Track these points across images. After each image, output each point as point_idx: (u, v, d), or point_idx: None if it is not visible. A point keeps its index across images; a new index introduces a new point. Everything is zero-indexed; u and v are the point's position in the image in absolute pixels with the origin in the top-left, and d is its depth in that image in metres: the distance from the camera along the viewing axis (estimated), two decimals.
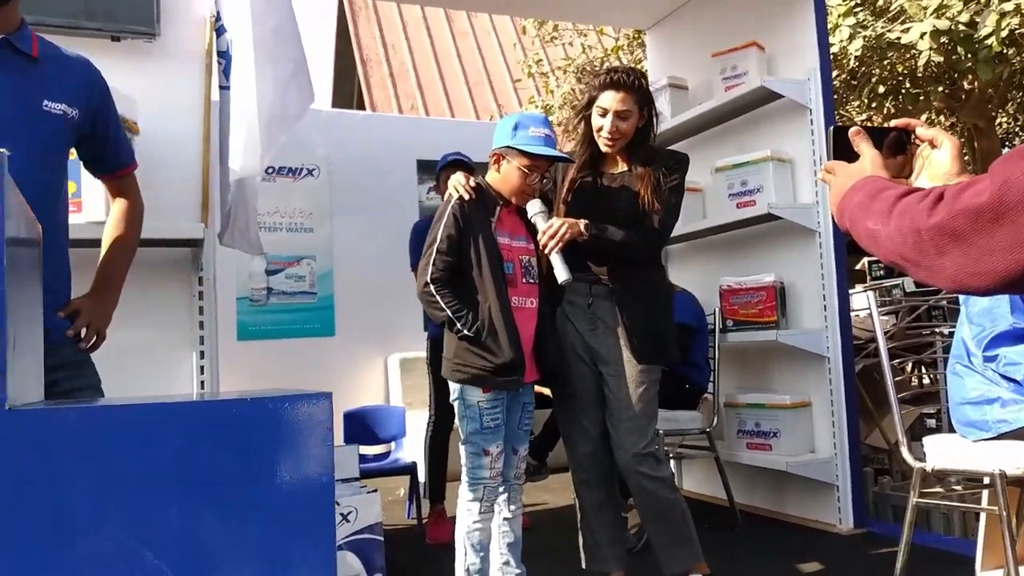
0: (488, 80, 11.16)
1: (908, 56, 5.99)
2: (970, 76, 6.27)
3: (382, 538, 2.81)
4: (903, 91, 6.65)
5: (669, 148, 3.09)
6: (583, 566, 2.71)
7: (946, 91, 6.71)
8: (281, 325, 5.54)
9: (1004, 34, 5.15)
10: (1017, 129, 9.22)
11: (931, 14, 5.30)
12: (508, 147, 2.47)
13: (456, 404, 2.46)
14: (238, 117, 2.58)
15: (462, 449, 2.45)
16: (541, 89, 9.46)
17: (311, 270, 5.68)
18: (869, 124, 1.28)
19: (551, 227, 2.42)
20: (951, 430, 2.70)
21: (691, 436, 3.68)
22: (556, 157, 2.50)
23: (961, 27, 5.31)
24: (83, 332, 1.83)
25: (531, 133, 2.45)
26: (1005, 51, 5.64)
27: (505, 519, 2.52)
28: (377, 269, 5.72)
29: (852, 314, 3.85)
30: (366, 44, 11.20)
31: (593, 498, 2.66)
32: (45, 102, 1.78)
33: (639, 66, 6.88)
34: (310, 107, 2.83)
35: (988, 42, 5.16)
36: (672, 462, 3.94)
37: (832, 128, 1.26)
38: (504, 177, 2.50)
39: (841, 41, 5.63)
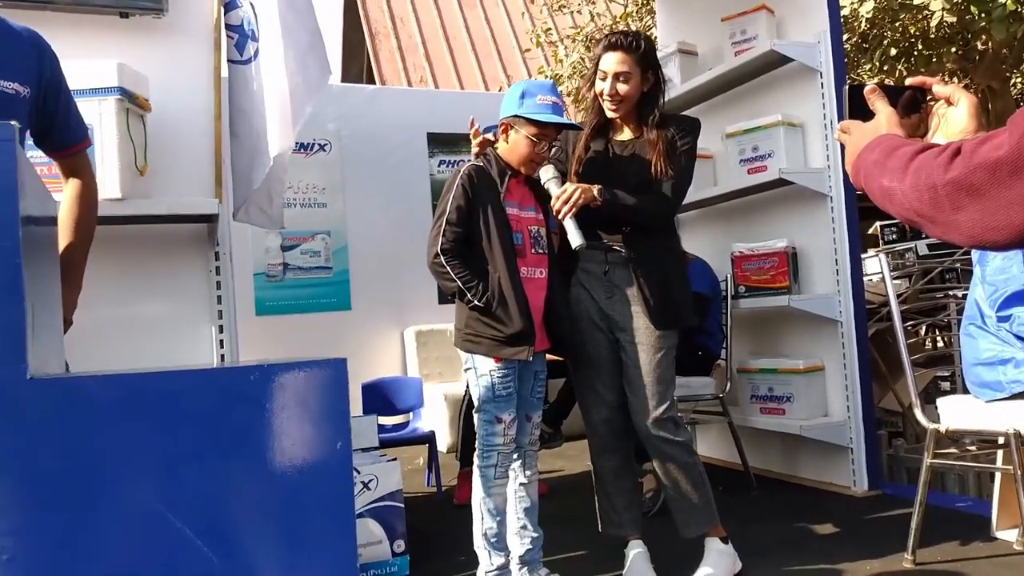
0: (497, 51, 11.08)
1: (920, 17, 5.90)
2: (984, 36, 6.17)
3: (403, 505, 2.86)
4: (915, 53, 6.56)
5: (680, 113, 3.08)
6: (600, 530, 2.75)
7: (959, 52, 6.61)
8: (298, 300, 5.59)
9: None
10: None
11: None
12: (515, 116, 2.47)
13: (468, 373, 2.50)
14: (271, 93, 2.59)
15: (476, 417, 2.49)
16: (550, 58, 9.39)
17: (326, 245, 5.72)
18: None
19: (564, 192, 2.43)
20: (965, 392, 2.71)
21: (704, 402, 3.71)
22: (564, 124, 2.50)
23: None
24: None
25: (538, 101, 2.45)
26: (1020, 9, 5.55)
27: (521, 484, 2.56)
28: (391, 243, 5.75)
29: (865, 278, 3.84)
30: (374, 17, 11.14)
31: (609, 464, 2.69)
32: None
33: (648, 32, 6.81)
34: (328, 79, 2.85)
35: (1002, 0, 5.07)
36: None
37: (847, 87, 1.26)
38: (512, 147, 2.51)
39: (852, 3, 5.55)
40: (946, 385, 4.67)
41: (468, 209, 2.43)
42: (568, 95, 7.47)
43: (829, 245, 3.57)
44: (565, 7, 8.55)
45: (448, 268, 2.40)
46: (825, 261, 3.61)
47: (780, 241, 3.65)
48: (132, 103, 2.41)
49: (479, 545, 2.46)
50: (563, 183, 2.49)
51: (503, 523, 2.48)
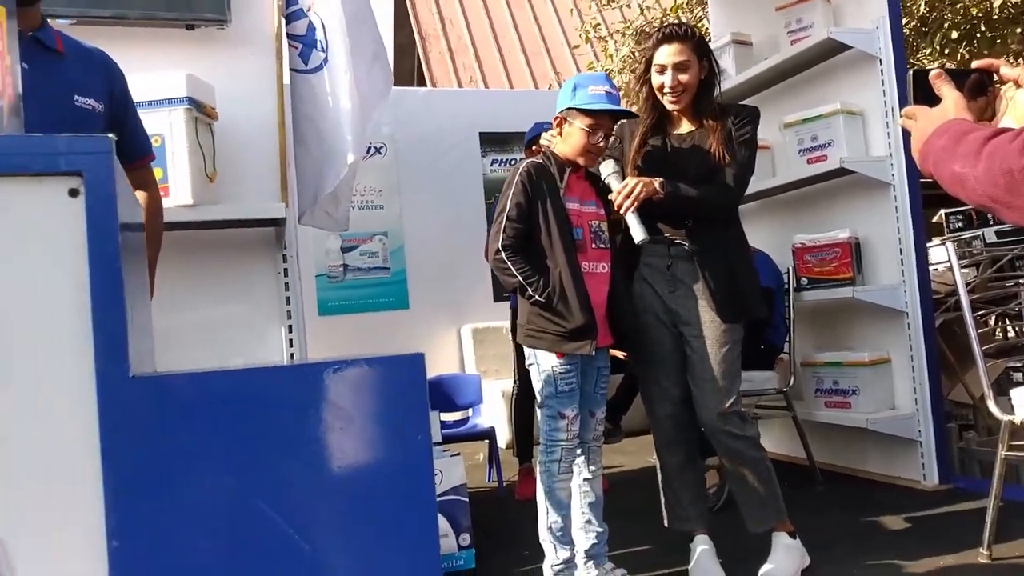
0: (546, 48, 11.08)
1: None
2: None
3: (467, 499, 2.90)
4: (978, 35, 6.35)
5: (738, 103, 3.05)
6: (666, 525, 2.75)
7: None
8: (358, 300, 5.71)
9: None
10: None
11: None
12: (569, 108, 2.48)
13: (532, 369, 2.52)
14: (341, 102, 2.66)
15: (539, 412, 2.51)
16: (600, 54, 9.36)
17: (383, 246, 5.82)
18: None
19: (626, 186, 2.43)
20: None
21: (767, 396, 3.66)
22: (616, 111, 2.50)
23: None
24: None
25: (591, 92, 2.46)
26: None
27: (585, 479, 2.58)
28: (446, 242, 5.83)
29: (930, 268, 3.75)
30: (424, 20, 11.24)
31: (674, 459, 2.69)
32: (76, 97, 1.77)
33: (699, 25, 6.74)
34: (390, 88, 2.93)
35: None
36: None
37: (913, 71, 1.25)
38: (568, 140, 2.51)
39: None
40: (1018, 376, 4.52)
41: (528, 205, 2.45)
42: (620, 90, 7.44)
43: (893, 234, 3.50)
44: (614, 2, 8.50)
45: (509, 264, 2.42)
46: (889, 251, 3.54)
47: (843, 231, 3.59)
48: (200, 112, 2.49)
49: (545, 539, 2.48)
50: (624, 178, 2.49)
51: (568, 517, 2.50)
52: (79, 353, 0.83)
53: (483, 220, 5.90)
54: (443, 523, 2.82)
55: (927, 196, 3.82)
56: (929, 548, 2.66)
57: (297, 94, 2.74)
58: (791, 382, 3.65)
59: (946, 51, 6.49)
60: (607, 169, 2.53)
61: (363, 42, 2.74)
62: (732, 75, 4.09)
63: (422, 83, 11.00)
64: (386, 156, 5.89)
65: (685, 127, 2.65)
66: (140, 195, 1.99)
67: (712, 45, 4.18)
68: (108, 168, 0.85)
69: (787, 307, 3.72)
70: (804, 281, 3.71)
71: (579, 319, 2.38)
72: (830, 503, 3.37)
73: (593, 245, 2.52)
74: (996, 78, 1.23)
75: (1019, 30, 6.29)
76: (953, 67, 1.27)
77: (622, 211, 2.44)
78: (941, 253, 4.89)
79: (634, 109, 2.75)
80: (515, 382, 3.99)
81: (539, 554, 2.53)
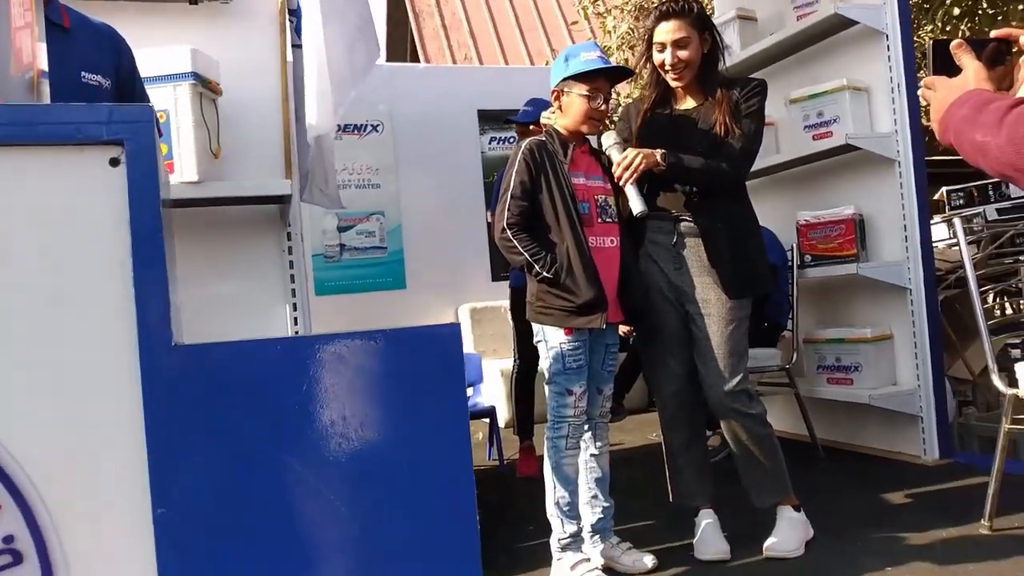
0: (541, 24, 11.00)
1: None
2: None
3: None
4: (980, 12, 6.33)
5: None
6: (671, 500, 2.76)
7: None
8: (355, 280, 5.68)
9: None
10: None
11: None
12: (565, 79, 2.47)
13: (540, 345, 2.52)
14: (310, 73, 2.61)
15: (547, 389, 2.51)
16: (597, 30, 9.29)
17: (380, 225, 5.79)
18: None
19: (625, 157, 2.41)
20: None
21: (770, 373, 3.68)
22: (612, 69, 2.48)
23: None
24: None
25: (583, 58, 2.45)
26: None
27: (592, 455, 2.59)
28: (443, 222, 5.80)
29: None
30: None
31: (680, 436, 2.70)
32: (83, 74, 1.76)
33: (704, 0, 6.69)
34: (374, 63, 2.87)
35: None
36: None
37: (933, 42, 1.24)
38: (569, 110, 2.50)
39: None
40: (1017, 352, 4.56)
41: (531, 183, 2.44)
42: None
43: (897, 211, 3.50)
44: None
45: (515, 241, 2.41)
46: (893, 228, 3.54)
47: (847, 208, 3.59)
48: (205, 88, 2.45)
49: (552, 513, 2.49)
50: (625, 149, 2.47)
51: (575, 492, 2.51)
52: (122, 323, 0.83)
53: (481, 199, 5.87)
54: None
55: (928, 174, 3.82)
56: (931, 521, 2.69)
57: (295, 70, 2.71)
58: (794, 359, 3.66)
59: (947, 28, 6.47)
60: (608, 140, 2.51)
61: (348, 16, 2.70)
62: (736, 51, 4.07)
63: (416, 60, 10.92)
64: (383, 134, 5.84)
65: (690, 102, 2.64)
66: None
67: (716, 20, 4.16)
68: (150, 137, 0.84)
69: (790, 284, 3.73)
70: (808, 258, 3.71)
71: (587, 293, 2.38)
72: (832, 478, 3.40)
73: (600, 219, 2.51)
74: (1015, 47, 1.23)
75: (1021, 7, 6.27)
76: (972, 37, 1.26)
77: (621, 183, 2.42)
78: (942, 231, 4.91)
79: (637, 92, 2.73)
80: (515, 361, 4.00)
81: (543, 530, 2.55)
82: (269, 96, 2.73)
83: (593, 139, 2.67)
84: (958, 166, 7.24)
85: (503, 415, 4.92)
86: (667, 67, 2.54)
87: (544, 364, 2.51)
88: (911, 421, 3.52)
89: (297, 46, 2.79)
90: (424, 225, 5.83)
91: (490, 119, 6.07)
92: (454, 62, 10.22)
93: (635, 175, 2.41)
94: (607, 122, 2.59)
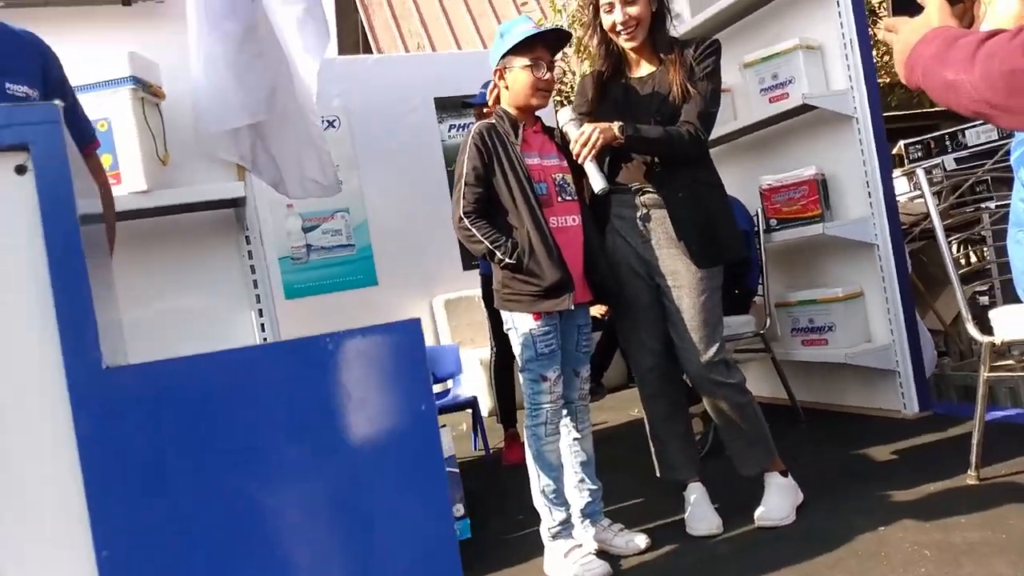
0: (492, 8, 10.89)
1: None
2: None
3: (457, 470, 2.87)
4: None
5: None
6: (658, 476, 2.74)
7: None
8: (325, 280, 5.60)
9: None
10: None
11: None
12: (505, 55, 2.43)
13: (510, 334, 2.47)
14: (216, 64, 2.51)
15: (520, 377, 2.46)
16: (548, 10, 9.21)
17: (346, 223, 5.70)
18: None
19: (582, 134, 2.36)
20: (1007, 304, 2.66)
21: (745, 340, 3.67)
22: (549, 31, 2.45)
23: None
24: None
25: (519, 31, 2.42)
26: None
27: (575, 439, 2.55)
28: (409, 214, 5.73)
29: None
30: None
31: (661, 410, 2.67)
32: (7, 84, 1.68)
33: None
34: (327, 47, 2.79)
35: None
36: None
37: None
38: (514, 87, 2.45)
39: None
40: (984, 300, 4.59)
41: (484, 168, 2.38)
42: (576, 52, 7.32)
43: (859, 168, 3.49)
44: None
45: (474, 230, 2.36)
46: (856, 185, 3.53)
47: (808, 169, 3.58)
48: (147, 92, 2.37)
49: (539, 503, 2.45)
50: (582, 125, 2.42)
51: (560, 479, 2.48)
52: (44, 346, 0.76)
53: (445, 188, 5.79)
54: None
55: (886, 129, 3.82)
56: (916, 475, 2.69)
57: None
58: (767, 324, 3.66)
59: None
60: (564, 117, 2.46)
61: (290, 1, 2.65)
62: (687, 18, 4.04)
63: (368, 52, 10.76)
64: (340, 129, 5.74)
65: (645, 68, 2.59)
66: None
67: None
68: (58, 139, 0.76)
69: (758, 249, 3.72)
70: (773, 222, 3.70)
71: (552, 275, 2.33)
72: (815, 440, 3.40)
73: (559, 198, 2.46)
74: None
75: None
76: None
77: (580, 160, 2.38)
78: (903, 185, 4.92)
79: (587, 64, 2.69)
80: (492, 349, 3.95)
81: (533, 518, 2.51)
82: None
83: (547, 118, 2.62)
84: (913, 120, 7.29)
85: (486, 404, 4.88)
86: (618, 27, 2.48)
87: (516, 351, 2.46)
88: (889, 376, 3.53)
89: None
90: (390, 219, 5.75)
91: (447, 106, 5.99)
92: (407, 51, 10.09)
93: (593, 151, 2.35)
94: (559, 96, 2.53)
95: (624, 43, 2.52)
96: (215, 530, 0.83)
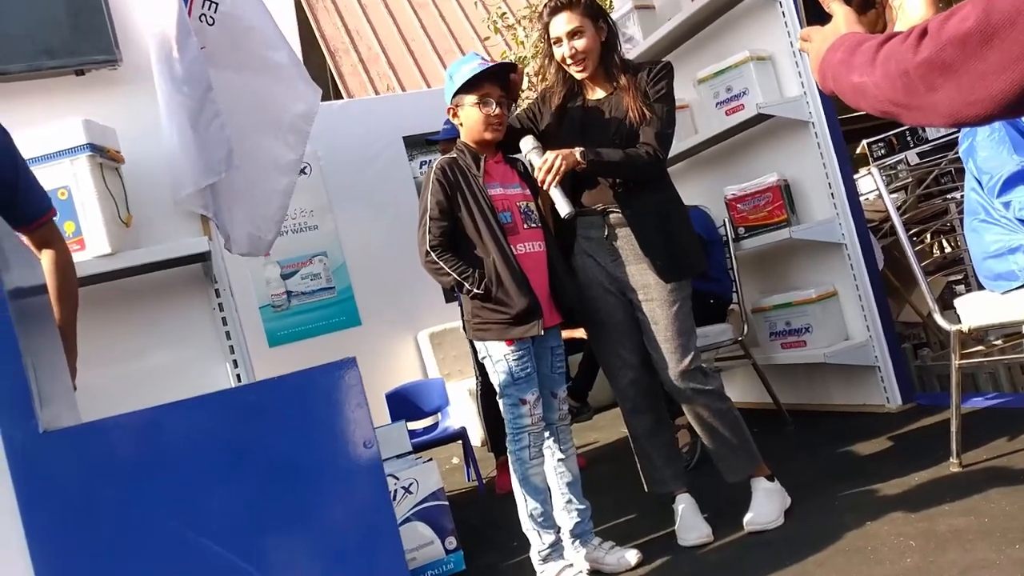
0: (456, 45, 11.03)
1: None
2: None
3: (447, 502, 2.87)
4: None
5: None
6: (646, 490, 2.75)
7: None
8: (308, 324, 5.61)
9: None
10: None
11: None
12: (455, 95, 2.49)
13: (485, 361, 2.50)
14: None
15: (500, 403, 2.48)
16: (511, 42, 9.34)
17: (325, 266, 5.72)
18: None
19: (545, 161, 2.41)
20: (980, 290, 2.70)
21: (725, 348, 3.70)
22: (494, 67, 2.48)
23: None
24: None
25: (465, 70, 2.48)
26: None
27: (559, 460, 2.56)
28: (387, 252, 5.76)
29: (862, 198, 3.82)
30: (330, 35, 11.09)
31: (643, 424, 2.69)
32: None
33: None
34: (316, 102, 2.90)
35: None
36: None
37: None
38: (467, 124, 2.51)
39: None
40: (960, 288, 4.65)
41: (448, 201, 2.43)
42: (537, 74, 7.42)
43: (819, 170, 3.55)
44: None
45: (441, 263, 2.40)
46: (819, 187, 3.59)
47: (770, 176, 3.63)
48: (104, 157, 2.40)
49: (527, 527, 2.46)
50: (544, 153, 2.47)
51: (547, 502, 2.49)
52: None
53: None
54: (426, 530, 2.79)
55: (847, 132, 3.89)
56: (902, 468, 2.71)
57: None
58: (745, 331, 3.68)
59: None
60: (527, 146, 2.51)
61: (270, 63, 2.73)
62: (640, 40, 4.11)
63: (339, 98, 10.86)
64: (312, 175, 5.79)
65: (599, 93, 2.65)
66: (47, 254, 1.87)
67: (615, 14, 4.21)
68: None
69: (728, 258, 3.76)
70: (741, 230, 3.75)
71: (520, 303, 2.37)
72: (802, 441, 3.42)
73: (525, 226, 2.51)
74: None
75: None
76: None
77: (544, 187, 2.42)
78: (869, 183, 4.99)
79: (543, 87, 2.74)
80: (477, 378, 3.96)
81: (527, 545, 2.51)
82: None
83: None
84: (876, 119, 7.40)
85: (477, 435, 4.87)
86: (568, 60, 2.55)
87: (493, 379, 2.48)
88: (869, 372, 3.56)
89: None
90: (368, 259, 5.78)
91: (416, 144, 6.05)
92: (376, 94, 10.19)
93: (557, 177, 2.40)
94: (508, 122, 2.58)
95: (576, 74, 2.58)
96: None
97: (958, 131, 4.74)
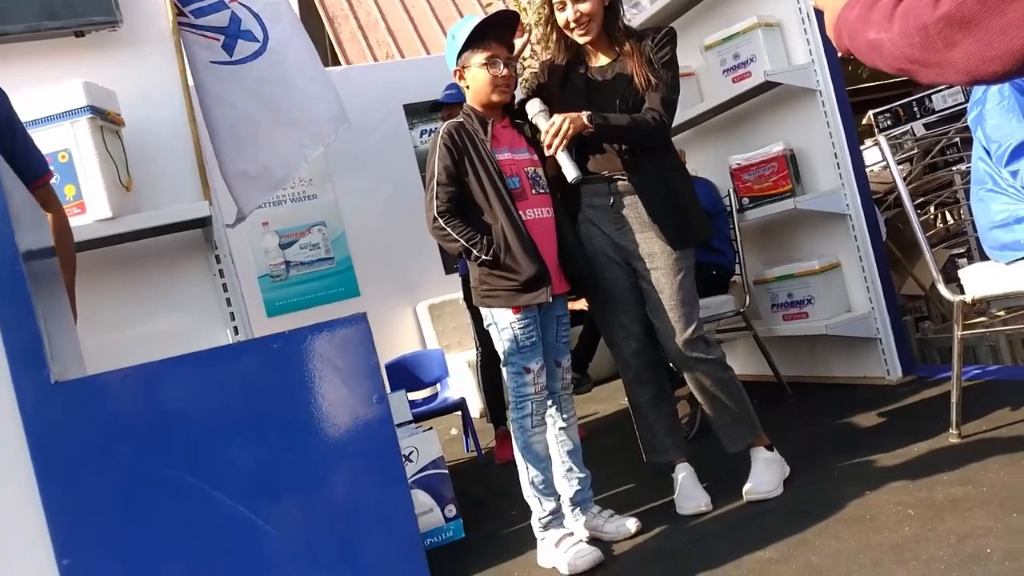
0: (457, 11, 10.91)
1: None
2: None
3: (447, 471, 2.88)
4: None
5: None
6: (645, 460, 2.76)
7: None
8: (306, 295, 5.59)
9: None
10: None
11: None
12: (459, 55, 2.45)
13: (491, 329, 2.48)
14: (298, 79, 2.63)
15: (504, 371, 2.48)
16: (512, 7, 9.23)
17: (323, 236, 5.70)
18: None
19: (552, 124, 2.38)
20: (984, 261, 2.68)
21: (727, 319, 3.69)
22: (494, 14, 2.45)
23: None
24: None
25: (467, 27, 2.44)
26: None
27: (561, 428, 2.57)
28: (387, 222, 5.73)
29: (867, 170, 3.79)
30: (329, 2, 10.97)
31: (645, 394, 2.69)
32: None
33: None
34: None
35: None
36: None
37: None
38: (474, 86, 2.47)
39: None
40: (963, 261, 4.64)
41: (455, 166, 2.40)
42: (538, 43, 7.34)
43: (826, 140, 3.52)
44: None
45: (448, 229, 2.38)
46: (825, 157, 3.56)
47: (776, 145, 3.60)
48: (105, 120, 2.37)
49: (528, 494, 2.47)
50: (550, 116, 2.45)
51: (548, 469, 2.49)
52: None
53: (421, 194, 5.78)
54: (426, 498, 2.80)
55: (853, 103, 3.85)
56: (902, 439, 2.71)
57: (227, 84, 2.66)
58: (747, 302, 3.68)
59: None
60: (533, 109, 2.48)
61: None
62: (647, 5, 4.06)
63: (337, 64, 10.76)
64: None
65: (603, 59, 2.62)
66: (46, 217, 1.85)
67: None
68: None
69: (732, 229, 3.74)
70: (746, 201, 3.72)
71: (529, 269, 2.35)
72: (802, 412, 3.42)
73: (533, 191, 2.49)
74: None
75: None
76: None
77: (551, 151, 2.39)
78: (874, 154, 4.97)
79: (547, 55, 2.70)
80: (477, 349, 3.96)
81: (526, 514, 2.53)
82: (176, 118, 2.66)
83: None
84: (884, 90, 7.35)
85: (476, 406, 4.89)
86: (571, 24, 2.51)
87: (498, 346, 2.48)
88: (871, 344, 3.55)
89: (220, 63, 2.74)
90: (368, 229, 5.75)
91: (417, 112, 6.00)
92: (376, 61, 10.10)
93: (565, 141, 2.38)
94: (518, 84, 2.55)
95: (578, 39, 2.55)
96: (173, 533, 0.84)
97: (966, 101, 4.71)
